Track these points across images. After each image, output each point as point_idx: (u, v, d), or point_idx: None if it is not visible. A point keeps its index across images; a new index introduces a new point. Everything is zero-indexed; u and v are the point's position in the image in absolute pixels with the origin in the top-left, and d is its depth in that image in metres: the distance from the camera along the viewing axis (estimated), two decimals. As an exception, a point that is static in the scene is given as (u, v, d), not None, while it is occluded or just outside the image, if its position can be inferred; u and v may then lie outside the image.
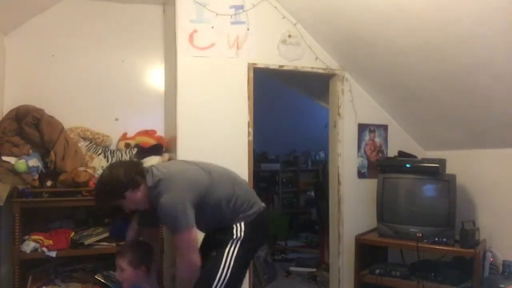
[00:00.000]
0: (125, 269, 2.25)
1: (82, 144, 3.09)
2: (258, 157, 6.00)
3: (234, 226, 2.25)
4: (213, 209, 2.23)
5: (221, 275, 2.16)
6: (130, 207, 2.21)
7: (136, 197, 2.14)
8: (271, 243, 5.29)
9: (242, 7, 3.20)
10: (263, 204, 2.41)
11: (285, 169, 6.69)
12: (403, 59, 2.95)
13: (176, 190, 2.11)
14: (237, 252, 2.22)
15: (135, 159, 2.98)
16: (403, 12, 2.58)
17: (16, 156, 2.77)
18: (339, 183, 3.49)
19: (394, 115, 3.66)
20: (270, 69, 3.32)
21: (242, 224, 2.26)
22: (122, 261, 2.26)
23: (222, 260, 2.19)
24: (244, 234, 2.24)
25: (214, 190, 2.22)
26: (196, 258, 2.12)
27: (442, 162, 3.09)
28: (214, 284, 2.15)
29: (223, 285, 2.17)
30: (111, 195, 2.13)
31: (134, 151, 3.19)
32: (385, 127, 3.68)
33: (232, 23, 3.18)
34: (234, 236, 2.23)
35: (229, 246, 2.22)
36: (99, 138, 3.18)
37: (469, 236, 2.79)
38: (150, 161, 3.04)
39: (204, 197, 2.18)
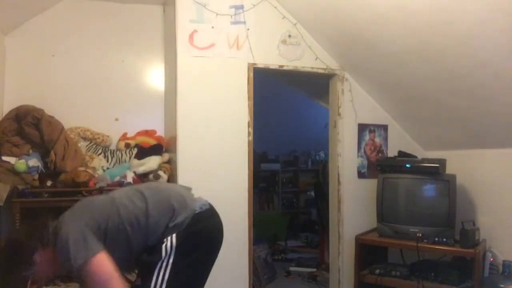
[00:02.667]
0: None
1: (82, 144, 3.10)
2: (258, 157, 6.00)
3: (164, 241, 1.83)
4: (133, 230, 1.81)
5: None
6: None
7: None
8: (271, 243, 5.29)
9: (242, 7, 3.20)
10: (197, 205, 1.95)
11: (285, 169, 6.69)
12: (403, 59, 2.95)
13: (67, 224, 1.73)
14: (169, 275, 1.80)
15: None
16: (403, 12, 2.58)
17: (16, 156, 2.77)
18: (339, 183, 3.49)
19: (394, 115, 3.66)
20: (270, 69, 3.32)
21: (174, 236, 1.84)
22: None
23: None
24: (175, 248, 1.82)
25: (119, 211, 1.81)
26: (122, 285, 1.69)
27: (442, 162, 3.09)
28: None
29: None
30: None
31: (134, 151, 3.19)
32: (385, 127, 3.68)
33: (232, 23, 3.18)
34: (163, 256, 1.81)
35: (156, 271, 1.80)
36: (99, 138, 3.18)
37: (469, 236, 2.78)
38: (150, 161, 3.05)
39: (108, 224, 1.77)
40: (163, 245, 1.81)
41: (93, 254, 1.66)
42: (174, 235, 1.83)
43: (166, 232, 1.84)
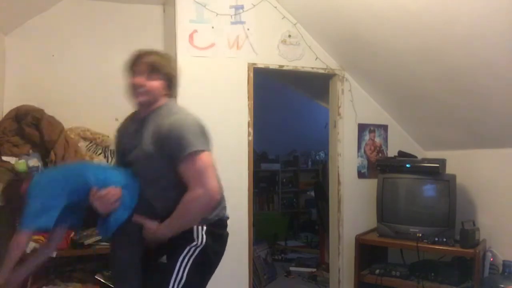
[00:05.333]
0: None
1: (82, 144, 3.09)
2: (258, 157, 6.01)
3: (195, 228, 1.79)
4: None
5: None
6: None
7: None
8: (271, 243, 5.29)
9: (242, 7, 3.20)
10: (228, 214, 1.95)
11: (285, 169, 6.69)
12: (403, 59, 2.95)
13: (184, 113, 1.83)
14: (193, 261, 1.77)
15: None
16: (403, 12, 2.58)
17: (16, 156, 2.77)
18: (339, 183, 3.49)
19: (394, 115, 3.66)
20: (270, 69, 3.32)
21: (204, 228, 1.81)
22: None
23: (174, 270, 1.75)
24: (205, 242, 1.79)
25: None
26: (218, 185, 1.71)
27: (442, 162, 3.09)
28: None
29: None
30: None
31: (134, 151, 3.18)
32: (385, 127, 3.68)
33: (232, 23, 3.18)
34: (195, 242, 1.78)
35: (185, 252, 1.77)
36: (99, 138, 3.18)
37: (469, 236, 2.79)
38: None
39: None
40: (194, 234, 1.78)
41: (207, 150, 1.74)
42: (204, 227, 1.80)
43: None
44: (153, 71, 1.80)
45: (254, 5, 3.22)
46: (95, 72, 3.31)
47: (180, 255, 1.76)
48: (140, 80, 1.79)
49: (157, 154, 1.74)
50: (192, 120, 1.79)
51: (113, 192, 1.75)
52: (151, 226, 1.76)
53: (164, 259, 1.83)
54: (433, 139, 3.54)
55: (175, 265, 1.75)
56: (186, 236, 1.78)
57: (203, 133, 1.78)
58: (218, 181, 1.77)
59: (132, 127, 1.91)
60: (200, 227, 1.79)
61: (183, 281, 1.74)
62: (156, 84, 1.81)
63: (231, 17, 3.18)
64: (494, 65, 2.45)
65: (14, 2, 2.84)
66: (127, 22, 3.40)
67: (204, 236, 1.79)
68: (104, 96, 3.32)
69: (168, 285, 1.73)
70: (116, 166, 2.03)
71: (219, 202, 1.86)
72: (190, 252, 1.78)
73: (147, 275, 1.81)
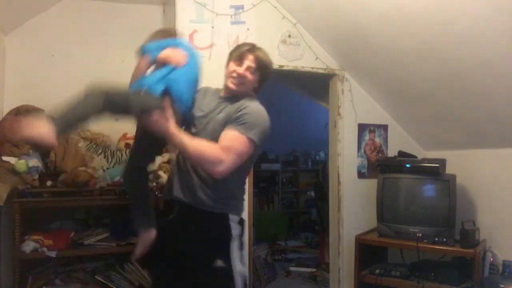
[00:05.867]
0: None
1: (82, 144, 3.09)
2: (258, 157, 5.99)
3: (231, 217, 1.86)
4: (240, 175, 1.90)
5: None
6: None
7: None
8: (271, 243, 5.29)
9: (242, 7, 3.20)
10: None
11: (285, 169, 6.69)
12: (403, 59, 2.95)
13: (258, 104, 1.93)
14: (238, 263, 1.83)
15: None
16: (403, 12, 2.58)
17: (16, 156, 2.76)
18: (339, 183, 3.49)
19: (394, 115, 3.66)
20: (270, 69, 3.31)
21: (238, 218, 1.89)
22: None
23: (233, 277, 1.79)
24: (239, 237, 1.87)
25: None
26: (224, 171, 1.73)
27: (442, 162, 3.09)
28: None
29: None
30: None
31: (134, 151, 3.18)
32: (385, 127, 3.68)
33: (232, 23, 3.18)
34: (233, 233, 1.83)
35: (232, 250, 1.82)
36: (99, 138, 3.18)
37: (469, 236, 2.79)
38: (150, 161, 3.04)
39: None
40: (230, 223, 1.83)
41: (256, 142, 1.81)
42: (237, 219, 1.87)
43: (234, 208, 1.88)
44: (258, 68, 1.92)
45: (254, 5, 3.22)
46: (95, 72, 3.30)
47: (230, 253, 1.81)
48: (246, 73, 1.89)
49: (226, 123, 1.83)
50: (267, 118, 1.90)
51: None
52: (171, 125, 1.72)
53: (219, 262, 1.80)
54: (433, 139, 3.54)
55: (231, 268, 1.79)
56: (224, 227, 1.83)
57: (265, 132, 1.87)
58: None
59: (213, 99, 2.00)
60: (235, 217, 1.86)
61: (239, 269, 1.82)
62: (255, 79, 1.94)
63: (231, 17, 3.18)
64: (494, 65, 2.45)
65: (14, 2, 2.85)
66: (127, 22, 3.39)
67: (239, 226, 1.87)
68: (104, 96, 3.32)
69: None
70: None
71: (243, 202, 1.96)
72: (236, 247, 1.83)
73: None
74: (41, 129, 1.50)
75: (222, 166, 1.71)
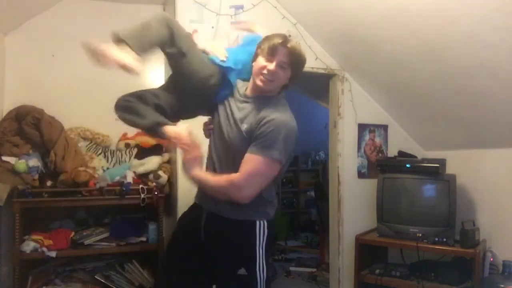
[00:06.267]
0: None
1: (82, 144, 3.09)
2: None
3: (258, 222, 1.75)
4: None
5: None
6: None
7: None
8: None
9: (242, 7, 3.20)
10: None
11: (285, 169, 6.68)
12: (403, 59, 2.95)
13: (289, 117, 1.81)
14: (266, 268, 1.74)
15: None
16: (403, 12, 2.58)
17: (16, 156, 2.77)
18: (339, 183, 3.49)
19: (394, 115, 3.66)
20: (270, 69, 3.31)
21: (265, 222, 1.77)
22: None
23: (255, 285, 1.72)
24: (266, 239, 1.76)
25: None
26: (253, 194, 1.67)
27: (442, 162, 3.09)
28: None
29: None
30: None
31: (134, 151, 3.19)
32: (385, 127, 3.68)
33: (232, 23, 3.18)
34: (259, 239, 1.74)
35: (258, 256, 1.73)
36: (99, 138, 3.18)
37: (469, 236, 2.79)
38: (150, 161, 3.04)
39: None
40: (257, 228, 1.75)
41: (279, 161, 1.69)
42: (265, 221, 1.77)
43: (263, 212, 1.79)
44: (290, 64, 1.75)
45: (254, 5, 3.22)
46: (95, 72, 3.29)
47: (256, 259, 1.73)
48: (277, 69, 1.73)
49: (248, 137, 1.72)
50: (292, 127, 1.76)
51: None
52: (194, 169, 1.72)
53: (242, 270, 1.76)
54: (433, 139, 3.54)
55: (256, 276, 1.72)
56: (251, 232, 1.74)
57: (291, 143, 1.75)
58: (266, 188, 1.77)
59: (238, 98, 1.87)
60: (262, 222, 1.77)
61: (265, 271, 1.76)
62: (286, 76, 1.79)
63: (231, 17, 3.17)
64: (494, 65, 2.45)
65: (14, 2, 2.85)
66: (127, 22, 3.37)
67: (266, 232, 1.77)
68: (104, 96, 3.30)
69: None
70: None
71: (273, 203, 1.86)
72: (261, 252, 1.75)
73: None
74: (128, 58, 1.56)
75: (246, 192, 1.66)
